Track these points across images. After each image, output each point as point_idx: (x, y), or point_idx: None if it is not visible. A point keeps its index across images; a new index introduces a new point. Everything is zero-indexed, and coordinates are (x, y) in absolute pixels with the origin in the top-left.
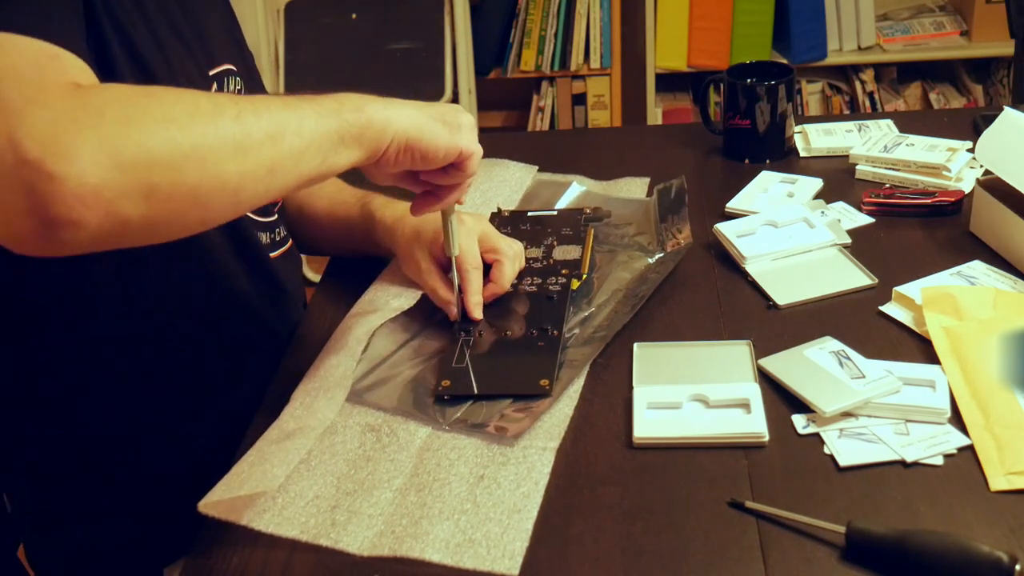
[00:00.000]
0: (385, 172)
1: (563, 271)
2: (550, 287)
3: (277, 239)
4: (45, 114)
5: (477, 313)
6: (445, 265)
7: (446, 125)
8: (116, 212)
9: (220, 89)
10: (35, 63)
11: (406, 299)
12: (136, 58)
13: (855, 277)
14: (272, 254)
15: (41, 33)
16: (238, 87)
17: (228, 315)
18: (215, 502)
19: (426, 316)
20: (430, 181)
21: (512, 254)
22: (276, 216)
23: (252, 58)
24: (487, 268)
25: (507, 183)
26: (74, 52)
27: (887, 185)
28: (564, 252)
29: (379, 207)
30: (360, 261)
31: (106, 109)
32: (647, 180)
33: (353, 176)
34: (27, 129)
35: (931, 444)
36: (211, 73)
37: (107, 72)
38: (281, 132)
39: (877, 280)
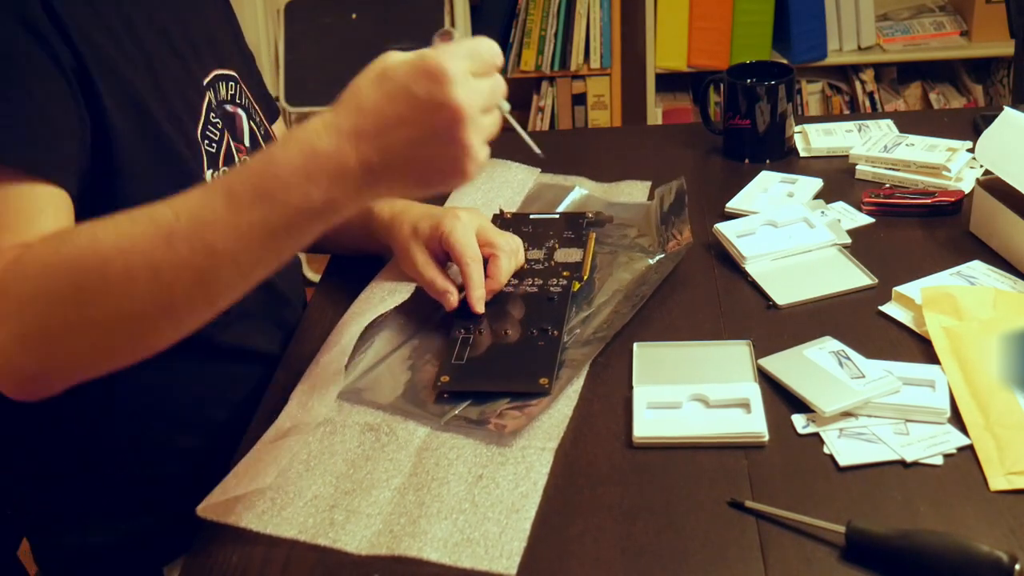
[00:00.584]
0: None
1: (564, 273)
2: (551, 288)
3: None
4: None
5: (479, 307)
6: (441, 259)
7: (440, 176)
8: (61, 377)
9: (215, 94)
10: None
11: (401, 295)
12: (121, 83)
13: (855, 277)
14: None
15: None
16: (231, 92)
17: (227, 316)
18: (213, 505)
19: (425, 315)
20: None
21: (509, 249)
22: None
23: (253, 58)
24: (485, 263)
25: (509, 184)
26: (44, 179)
27: (887, 185)
28: (565, 255)
29: (377, 203)
30: (360, 261)
31: (19, 290)
32: (648, 184)
33: None
34: None
35: (931, 444)
36: (204, 82)
37: (92, 97)
38: (210, 275)
39: (877, 280)
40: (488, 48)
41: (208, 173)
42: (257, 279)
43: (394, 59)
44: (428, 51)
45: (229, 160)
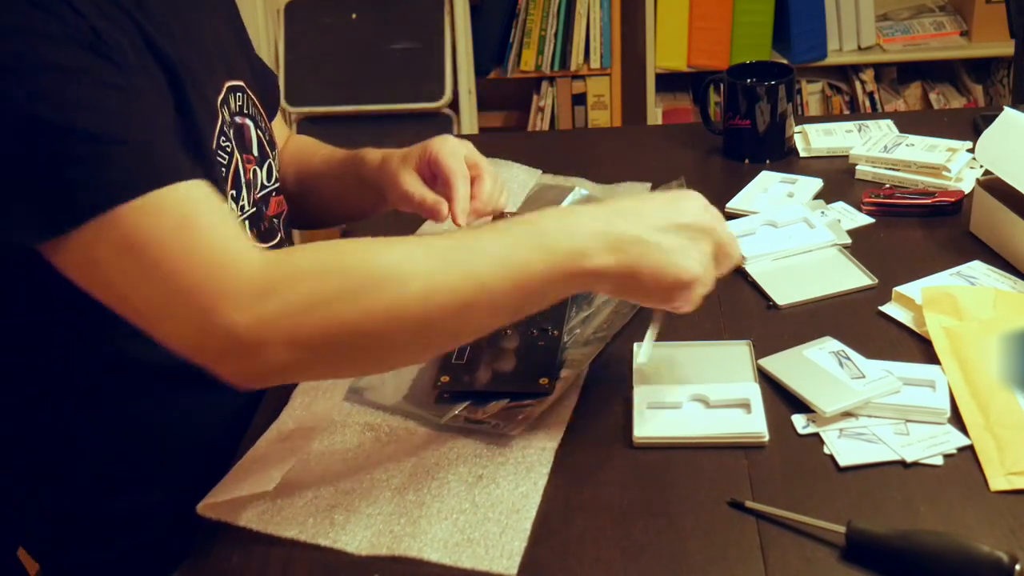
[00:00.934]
0: None
1: None
2: None
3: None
4: (230, 305)
5: (462, 220)
6: (429, 181)
7: (659, 287)
8: (306, 374)
9: (228, 109)
10: (176, 240)
11: None
12: (165, 68)
13: (855, 277)
14: None
15: (148, 185)
16: (239, 103)
17: None
18: (213, 503)
19: None
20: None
21: (494, 172)
22: (279, 238)
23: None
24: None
25: (510, 185)
26: (183, 179)
27: (887, 185)
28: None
29: (369, 157)
30: None
31: (289, 292)
32: (648, 184)
33: None
34: (220, 320)
35: (931, 444)
36: (219, 97)
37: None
38: (469, 306)
39: (877, 280)
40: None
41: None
42: (498, 323)
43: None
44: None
45: (236, 180)
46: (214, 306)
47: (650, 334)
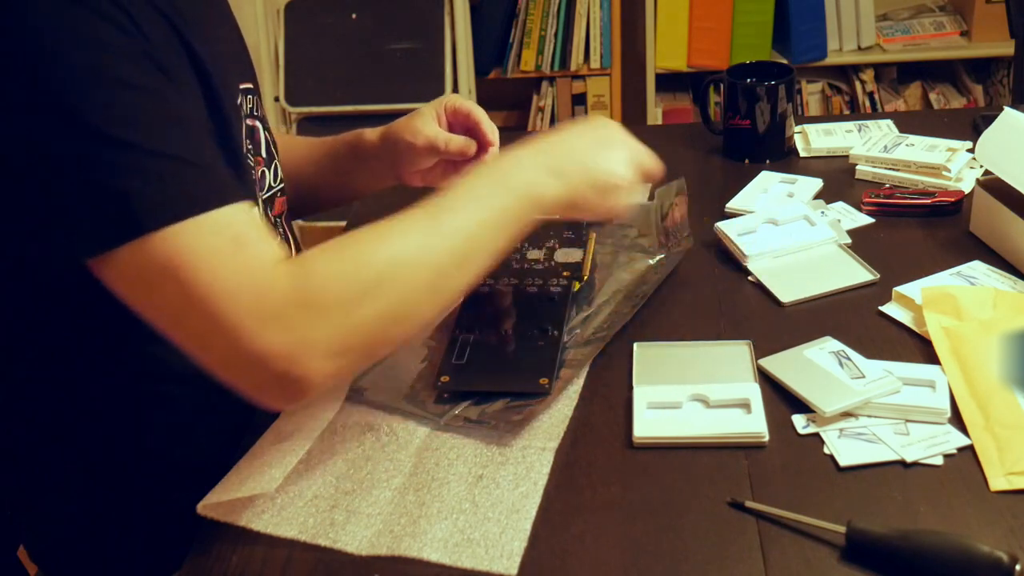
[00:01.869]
0: None
1: (564, 273)
2: (551, 288)
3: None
4: (277, 329)
5: (493, 137)
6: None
7: (601, 195)
8: (339, 376)
9: (241, 107)
10: (228, 260)
11: None
12: (202, 79)
13: (857, 273)
14: None
15: (206, 204)
16: (250, 105)
17: None
18: (213, 504)
19: None
20: None
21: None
22: (279, 235)
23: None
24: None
25: None
26: (235, 199)
27: (887, 185)
28: (565, 255)
29: (367, 133)
30: None
31: (323, 300)
32: (648, 185)
33: None
34: (270, 349)
35: (931, 444)
36: (238, 100)
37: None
38: (466, 257)
39: (879, 275)
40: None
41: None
42: (490, 260)
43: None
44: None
45: (260, 183)
46: (258, 329)
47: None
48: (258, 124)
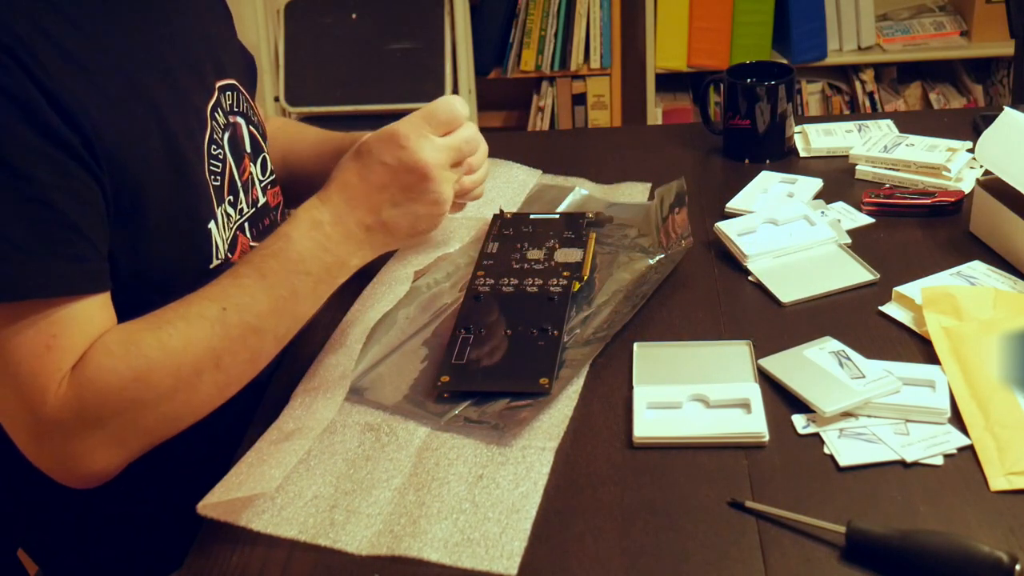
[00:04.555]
0: None
1: (564, 273)
2: (551, 288)
3: None
4: (52, 442)
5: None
6: None
7: (421, 234)
8: (129, 461)
9: (217, 105)
10: (31, 366)
11: (402, 287)
12: (140, 93)
13: (857, 273)
14: None
15: (19, 293)
16: (230, 102)
17: None
18: (214, 503)
19: (426, 315)
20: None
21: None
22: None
23: (253, 60)
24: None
25: (510, 185)
26: (77, 292)
27: (887, 185)
28: (565, 255)
29: (364, 134)
30: None
31: (100, 411)
32: (648, 185)
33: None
34: (49, 462)
35: (931, 444)
36: (209, 104)
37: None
38: (257, 353)
39: (879, 275)
40: (445, 108)
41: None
42: (284, 343)
43: (367, 137)
44: (393, 123)
45: (233, 185)
46: (34, 439)
47: None
48: (240, 120)
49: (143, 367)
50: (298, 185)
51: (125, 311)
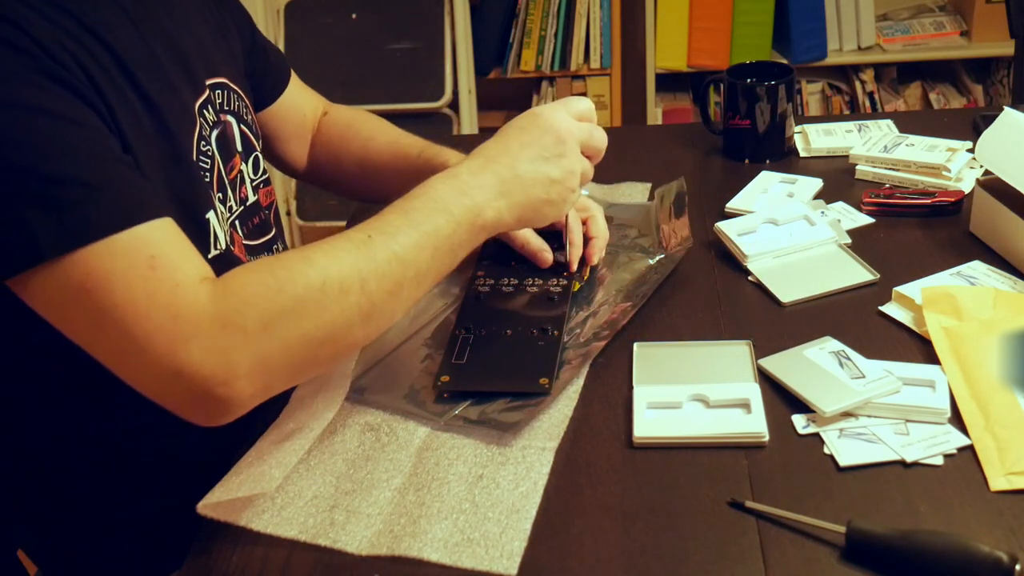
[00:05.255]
0: None
1: (564, 273)
2: (551, 288)
3: (279, 251)
4: (194, 349)
5: (575, 266)
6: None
7: (552, 205)
8: (270, 391)
9: (207, 103)
10: (141, 281)
11: None
12: (134, 84)
13: (857, 273)
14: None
15: (112, 226)
16: (220, 101)
17: None
18: (214, 503)
19: (426, 315)
20: None
21: (598, 208)
22: (273, 233)
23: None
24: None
25: None
26: (149, 218)
27: (887, 185)
28: (566, 256)
29: (449, 158)
30: None
31: (245, 320)
32: (648, 185)
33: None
34: (187, 368)
35: (931, 444)
36: (198, 103)
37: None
38: (400, 284)
39: (879, 275)
40: (582, 102)
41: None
42: (428, 286)
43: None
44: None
45: (221, 183)
46: (175, 350)
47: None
48: (231, 119)
49: (287, 278)
50: (368, 183)
51: None
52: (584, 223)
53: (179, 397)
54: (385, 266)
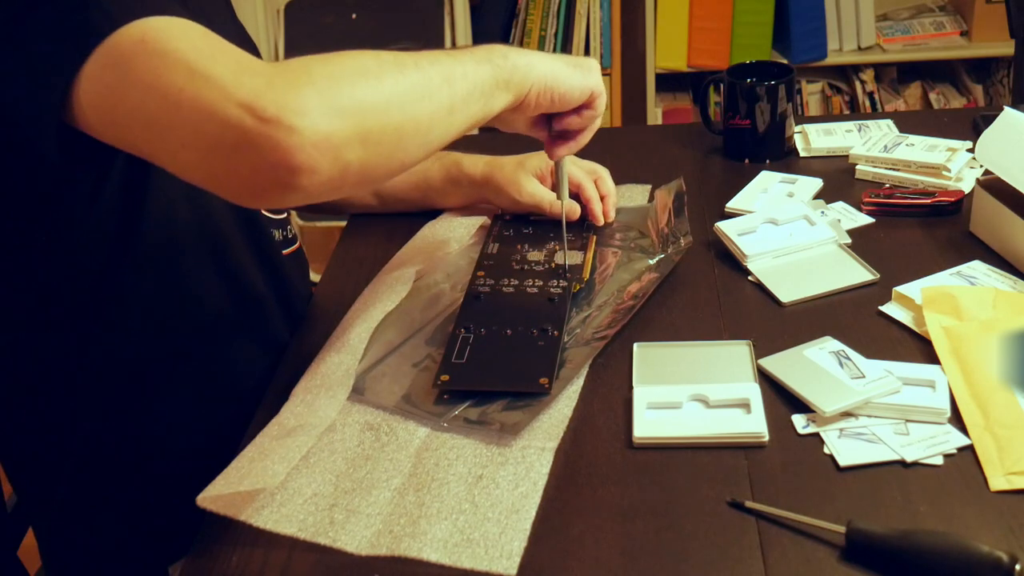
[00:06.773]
0: (523, 117)
1: (565, 274)
2: (551, 289)
3: (289, 236)
4: (260, 80)
5: (601, 219)
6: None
7: (578, 68)
8: (341, 158)
9: None
10: (202, 39)
11: (403, 287)
12: None
13: (857, 273)
14: (284, 251)
15: (170, 9)
16: None
17: (240, 310)
18: (214, 496)
19: (426, 315)
20: (563, 126)
21: (605, 170)
22: (286, 214)
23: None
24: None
25: None
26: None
27: (887, 185)
28: (566, 257)
29: (467, 164)
30: (360, 259)
31: (310, 70)
32: (648, 187)
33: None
34: (255, 93)
35: (931, 444)
36: None
37: None
38: (452, 77)
39: (879, 275)
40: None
41: None
42: (461, 127)
43: None
44: None
45: None
46: (240, 82)
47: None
48: None
49: (342, 53)
50: (383, 191)
51: (147, 275)
52: (595, 182)
53: (247, 153)
54: (420, 72)
